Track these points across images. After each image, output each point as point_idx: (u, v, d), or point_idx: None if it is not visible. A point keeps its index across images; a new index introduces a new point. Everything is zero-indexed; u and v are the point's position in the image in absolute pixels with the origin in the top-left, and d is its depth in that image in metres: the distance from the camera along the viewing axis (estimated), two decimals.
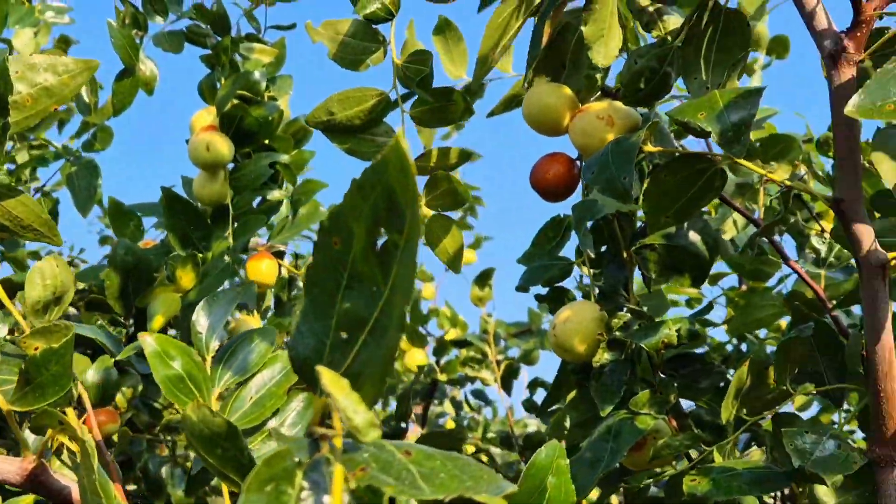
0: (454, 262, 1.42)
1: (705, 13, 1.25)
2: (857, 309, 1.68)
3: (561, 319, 1.37)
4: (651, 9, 1.43)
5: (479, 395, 3.67)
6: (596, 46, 0.95)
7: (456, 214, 1.39)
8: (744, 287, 2.37)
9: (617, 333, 1.33)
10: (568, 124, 1.37)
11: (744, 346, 2.25)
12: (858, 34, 1.10)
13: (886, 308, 1.11)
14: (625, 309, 1.35)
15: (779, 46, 2.87)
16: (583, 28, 0.93)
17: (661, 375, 1.35)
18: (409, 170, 0.57)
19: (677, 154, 1.17)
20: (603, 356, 1.33)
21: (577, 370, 1.41)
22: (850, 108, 0.84)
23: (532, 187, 1.41)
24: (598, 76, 1.38)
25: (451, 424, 4.33)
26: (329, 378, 0.56)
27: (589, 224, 1.42)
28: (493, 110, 1.78)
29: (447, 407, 4.07)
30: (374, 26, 1.25)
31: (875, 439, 1.14)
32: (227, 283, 1.90)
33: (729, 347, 2.36)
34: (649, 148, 1.17)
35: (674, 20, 1.44)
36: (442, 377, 3.49)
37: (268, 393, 0.93)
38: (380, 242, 0.59)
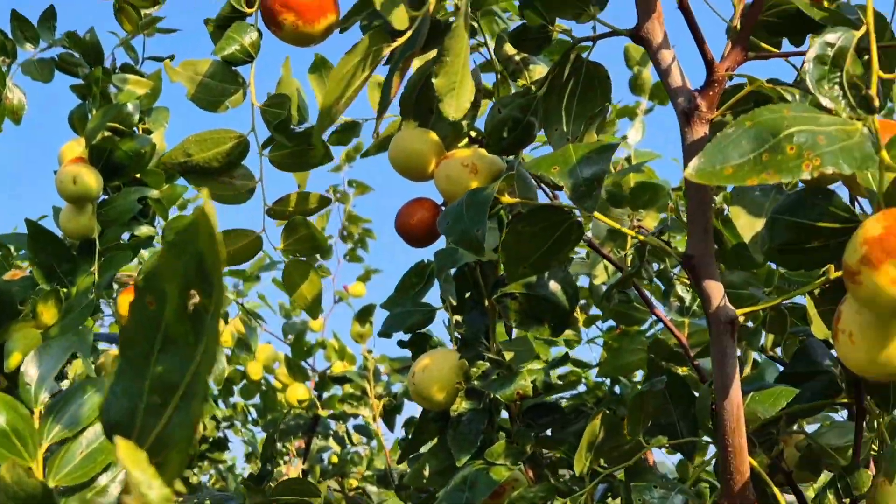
0: (312, 308, 1.40)
1: (567, 65, 1.25)
2: None
3: (420, 367, 1.36)
4: (517, 58, 1.44)
5: (362, 429, 3.64)
6: (447, 99, 0.94)
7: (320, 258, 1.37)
8: (619, 329, 2.39)
9: (475, 382, 1.32)
10: (433, 170, 1.37)
11: (617, 389, 2.28)
12: (711, 93, 1.12)
13: (734, 364, 1.12)
14: (485, 358, 1.35)
15: (661, 92, 2.92)
16: (433, 80, 0.93)
17: (519, 425, 1.34)
18: (217, 236, 0.55)
19: (535, 206, 1.17)
20: (461, 405, 1.33)
21: (436, 418, 1.40)
22: (689, 172, 0.85)
23: (397, 232, 1.40)
24: (465, 123, 1.38)
25: (335, 459, 4.29)
26: (125, 450, 0.53)
27: (452, 271, 1.42)
28: (368, 150, 1.77)
29: (331, 441, 4.04)
30: (233, 68, 1.23)
31: (724, 493, 1.14)
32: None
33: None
34: (506, 199, 1.17)
35: (540, 69, 1.45)
36: (323, 413, 3.46)
37: (99, 447, 0.90)
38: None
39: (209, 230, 0.56)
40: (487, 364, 1.34)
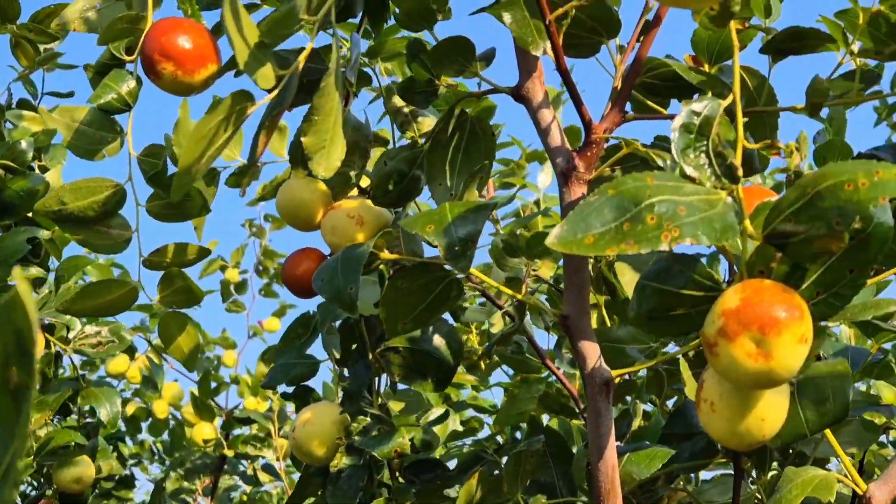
0: (190, 361, 1.37)
1: (452, 120, 1.25)
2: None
3: (301, 421, 1.34)
4: (406, 110, 1.43)
5: (269, 469, 3.60)
6: (317, 158, 0.93)
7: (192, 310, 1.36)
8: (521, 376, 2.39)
9: (356, 438, 1.30)
10: (320, 221, 1.36)
11: (518, 434, 2.26)
12: (589, 153, 1.12)
13: (610, 426, 1.12)
14: (367, 413, 1.33)
15: (571, 136, 2.93)
16: (302, 139, 0.92)
17: (401, 481, 1.33)
18: (34, 314, 0.53)
19: (415, 262, 1.16)
20: (341, 460, 1.31)
21: (317, 473, 1.38)
22: (551, 240, 0.84)
23: (283, 283, 1.39)
24: (353, 174, 1.37)
25: (244, 498, 4.23)
26: None
27: (337, 323, 1.40)
28: (264, 195, 1.76)
29: (240, 480, 3.98)
30: (111, 116, 1.21)
31: None
32: None
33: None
34: (385, 255, 1.16)
35: (429, 122, 1.44)
36: (229, 452, 3.40)
37: None
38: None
39: (25, 308, 0.54)
40: (368, 420, 1.32)
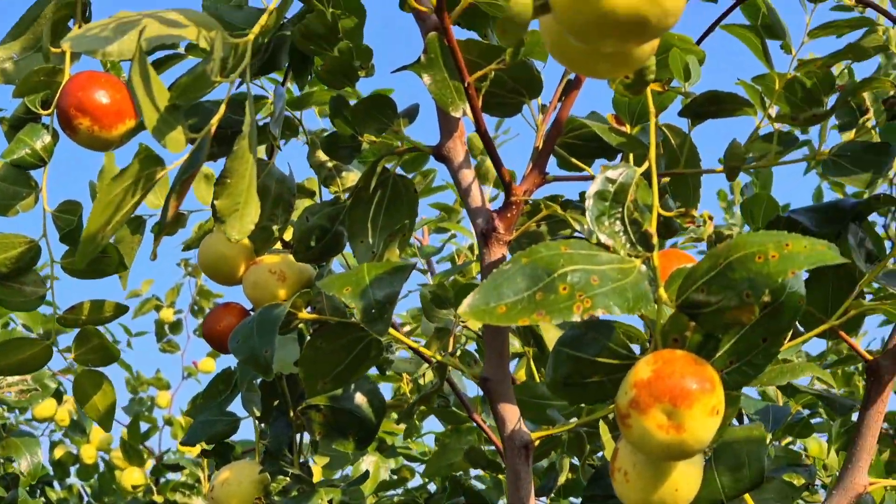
0: (105, 420, 1.34)
1: (374, 177, 1.24)
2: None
3: (220, 480, 1.31)
4: (330, 164, 1.42)
5: None
6: (230, 220, 0.91)
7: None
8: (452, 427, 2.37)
9: (275, 498, 1.28)
10: (242, 275, 1.34)
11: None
12: (509, 215, 1.12)
13: (529, 489, 1.11)
14: (288, 472, 1.31)
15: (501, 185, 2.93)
16: (215, 202, 0.90)
17: None
18: None
19: (334, 322, 1.15)
20: None
21: None
22: (463, 309, 0.83)
23: (204, 338, 1.37)
24: (275, 227, 1.35)
25: None
26: None
27: (258, 380, 1.38)
28: (189, 244, 1.73)
29: None
30: (25, 171, 1.19)
31: None
32: None
33: None
34: (304, 315, 1.15)
35: (353, 176, 1.43)
36: (158, 499, 3.34)
37: None
38: None
39: None
40: (288, 479, 1.30)
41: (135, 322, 5.87)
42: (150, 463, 3.62)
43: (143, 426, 3.77)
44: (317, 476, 1.77)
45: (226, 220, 0.93)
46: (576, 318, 0.81)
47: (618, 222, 0.90)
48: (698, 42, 1.23)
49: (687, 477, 0.87)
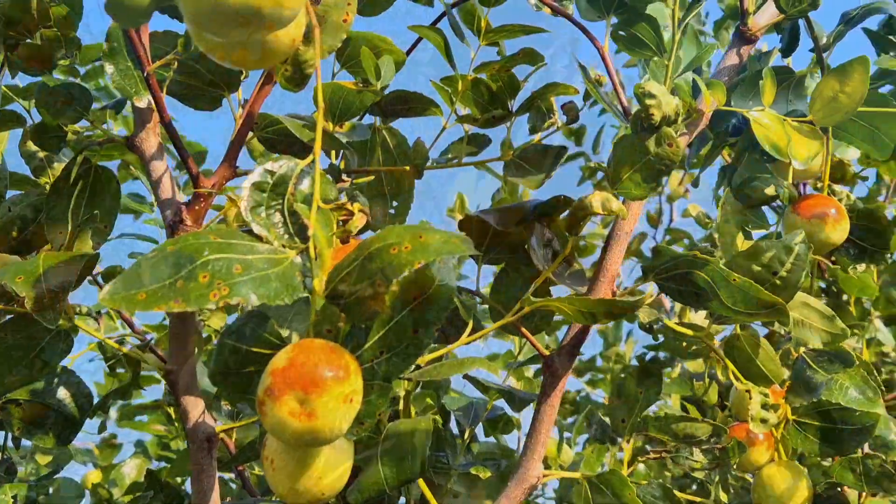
0: None
1: (75, 168, 1.22)
2: None
3: None
4: (41, 154, 1.39)
5: None
6: None
7: None
8: None
9: None
10: None
11: None
12: (197, 207, 1.11)
13: (213, 483, 1.10)
14: None
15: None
16: None
17: None
18: None
19: (17, 314, 1.12)
20: None
21: None
22: (103, 296, 0.82)
23: None
24: None
25: None
26: None
27: None
28: None
29: None
30: None
31: None
32: None
33: None
34: None
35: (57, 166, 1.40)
36: None
37: None
38: None
39: None
40: None
41: None
42: None
43: None
44: None
45: None
46: (211, 307, 0.81)
47: (276, 213, 0.91)
48: (414, 45, 1.26)
49: (331, 465, 0.88)
